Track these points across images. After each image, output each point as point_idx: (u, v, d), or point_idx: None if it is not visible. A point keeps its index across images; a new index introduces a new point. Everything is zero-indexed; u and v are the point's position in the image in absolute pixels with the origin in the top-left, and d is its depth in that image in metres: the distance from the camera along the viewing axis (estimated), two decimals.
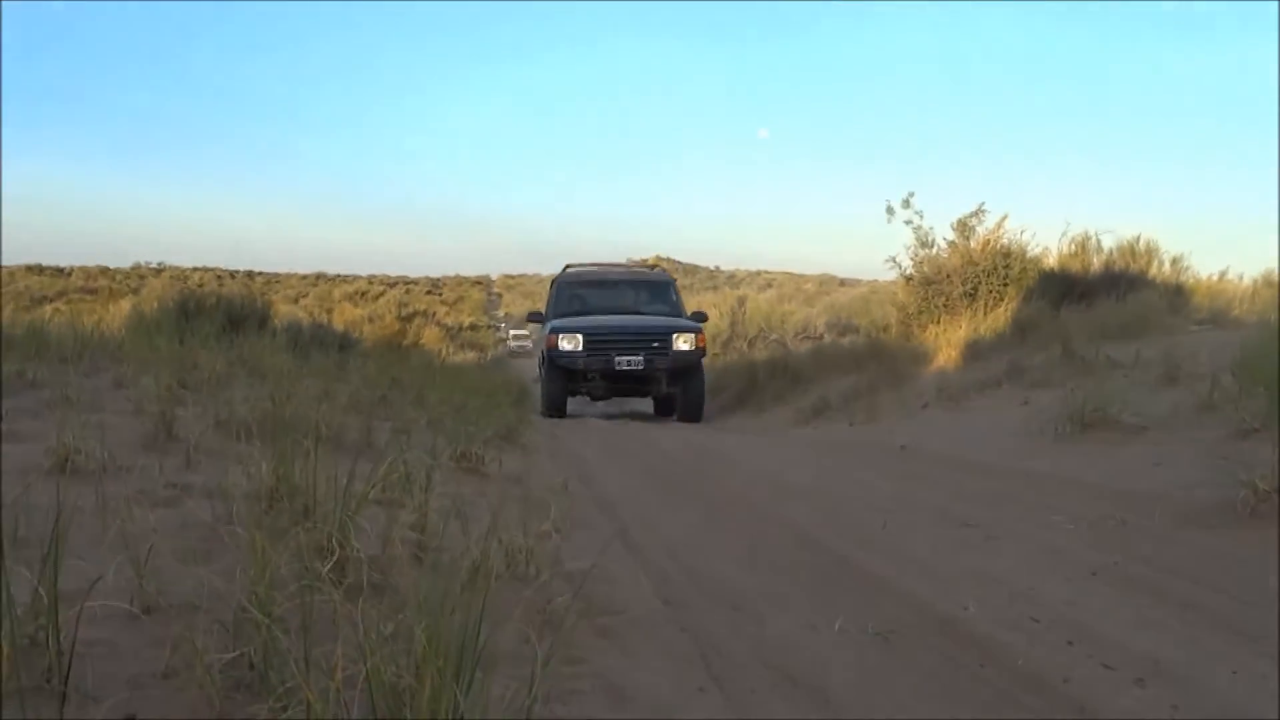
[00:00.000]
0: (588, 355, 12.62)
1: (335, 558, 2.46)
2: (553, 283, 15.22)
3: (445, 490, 3.87)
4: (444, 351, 25.75)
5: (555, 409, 12.61)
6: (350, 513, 2.63)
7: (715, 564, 3.85)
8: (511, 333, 53.69)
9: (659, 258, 63.34)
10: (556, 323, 13.28)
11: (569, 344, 12.66)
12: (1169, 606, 3.26)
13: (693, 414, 12.99)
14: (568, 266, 15.48)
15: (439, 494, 3.67)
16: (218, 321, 8.13)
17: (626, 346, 12.73)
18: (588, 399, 14.11)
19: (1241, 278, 15.99)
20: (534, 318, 15.35)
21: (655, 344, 12.79)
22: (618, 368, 12.65)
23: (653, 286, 15.08)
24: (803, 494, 5.63)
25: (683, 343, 12.84)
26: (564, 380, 12.84)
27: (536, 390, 13.82)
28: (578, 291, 14.58)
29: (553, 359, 12.75)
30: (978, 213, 14.61)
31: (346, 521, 2.59)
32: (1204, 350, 8.23)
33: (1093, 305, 11.94)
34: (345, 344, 11.30)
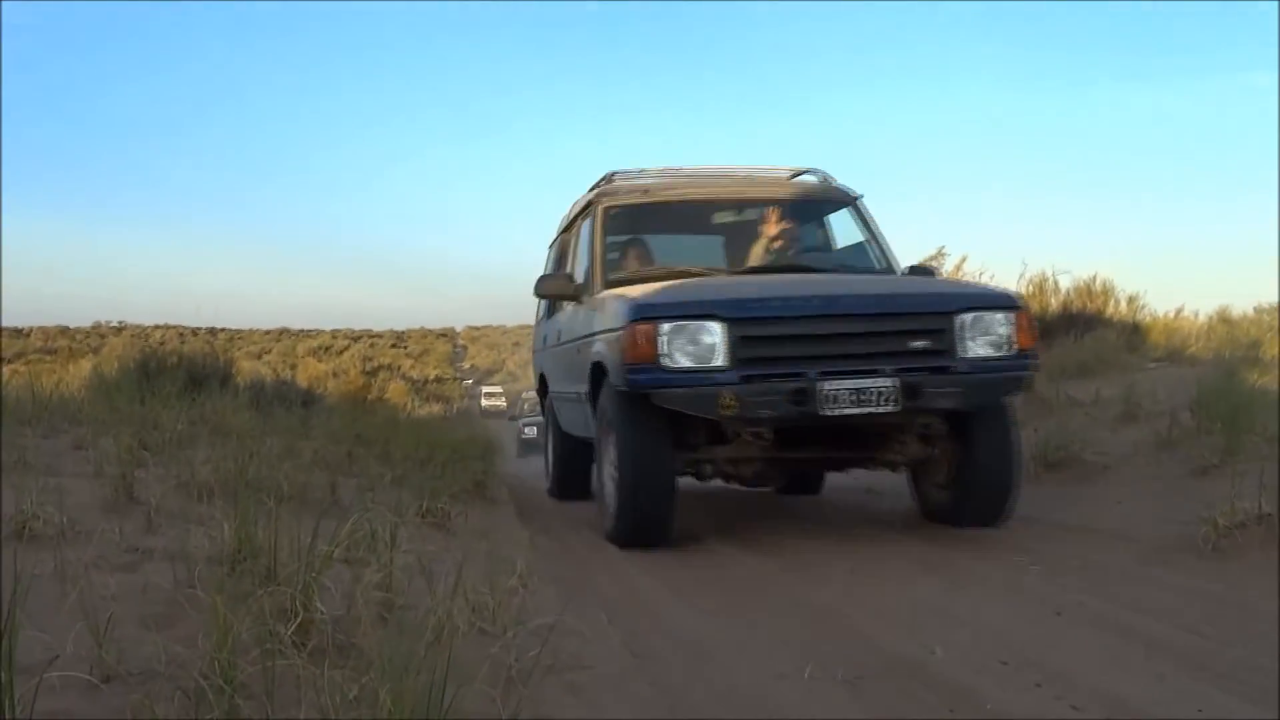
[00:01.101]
0: (744, 379, 5.03)
1: (299, 620, 2.43)
2: (580, 214, 7.38)
3: (411, 547, 3.85)
4: (409, 405, 25.64)
5: (647, 524, 5.40)
6: (314, 574, 2.61)
7: (684, 615, 3.84)
8: (484, 390, 50.12)
9: None
10: (647, 299, 5.37)
11: (691, 348, 5.06)
12: (1135, 645, 3.29)
13: (993, 505, 5.65)
14: (611, 175, 7.42)
15: (405, 551, 3.65)
16: (179, 380, 8.05)
17: (848, 350, 5.21)
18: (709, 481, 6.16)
19: (1197, 315, 16.20)
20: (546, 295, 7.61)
21: (923, 343, 5.31)
22: (829, 411, 5.01)
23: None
24: (770, 542, 5.63)
25: (984, 339, 5.36)
26: (666, 442, 5.34)
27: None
28: (652, 240, 7.26)
29: (634, 394, 5.20)
30: (938, 255, 14.74)
31: (310, 583, 2.57)
32: (1161, 388, 8.35)
33: (1051, 345, 12.06)
34: (309, 400, 11.23)
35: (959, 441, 5.59)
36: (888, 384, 5.00)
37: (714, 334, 5.01)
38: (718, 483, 6.12)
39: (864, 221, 6.99)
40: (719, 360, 4.99)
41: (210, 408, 7.07)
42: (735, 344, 5.01)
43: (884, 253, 6.82)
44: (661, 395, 5.03)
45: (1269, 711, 2.60)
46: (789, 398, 4.93)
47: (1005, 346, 5.33)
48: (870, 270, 6.71)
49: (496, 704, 2.08)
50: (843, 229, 7.18)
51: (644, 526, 5.34)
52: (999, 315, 5.37)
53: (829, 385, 4.95)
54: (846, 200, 7.11)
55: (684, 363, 4.99)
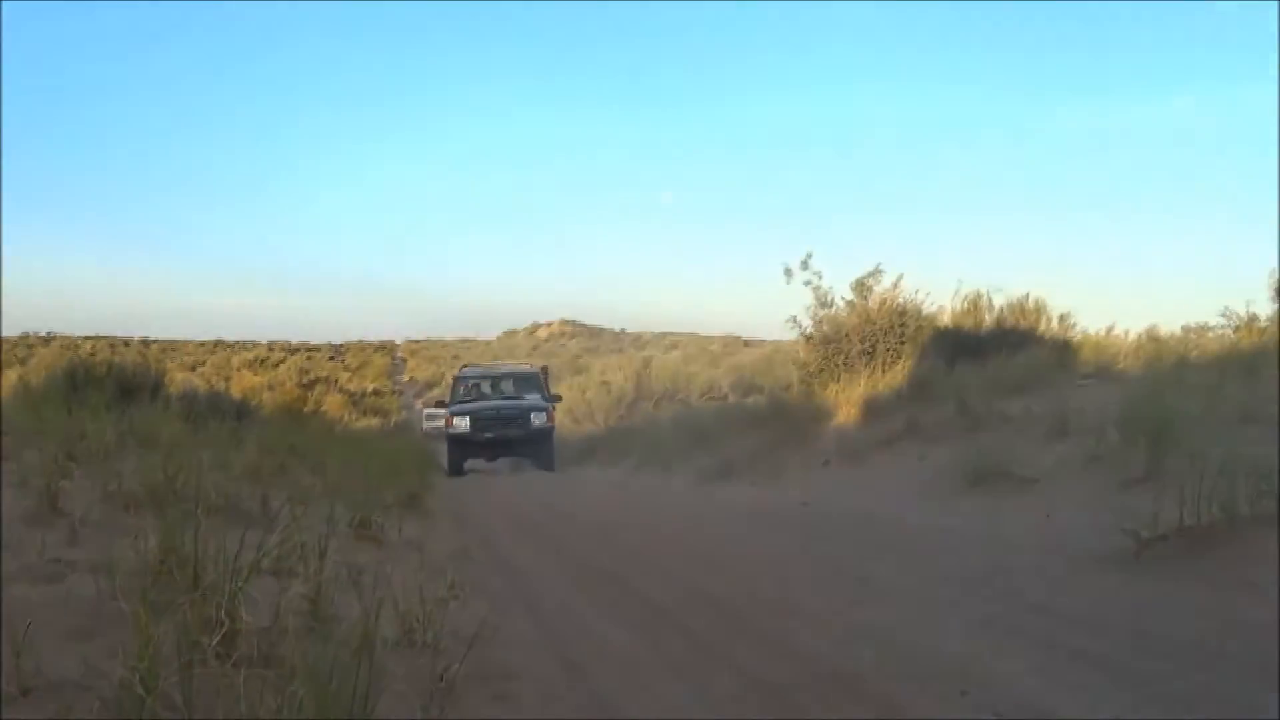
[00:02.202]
0: (473, 430, 17.58)
1: (224, 630, 2.40)
2: (453, 379, 21.20)
3: (343, 559, 3.82)
4: (346, 418, 25.29)
5: (456, 470, 17.50)
6: (240, 584, 2.57)
7: (615, 628, 3.84)
8: (425, 412, 49.97)
9: (565, 321, 63.38)
10: (453, 408, 18.47)
11: (461, 423, 17.70)
12: (1058, 654, 3.35)
13: (546, 465, 17.78)
14: (464, 366, 23.11)
15: (337, 563, 3.61)
16: (108, 391, 7.90)
17: (500, 423, 17.64)
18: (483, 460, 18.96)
19: (1127, 333, 16.53)
20: (440, 404, 20.10)
21: (519, 420, 17.77)
22: (495, 438, 17.62)
23: (525, 378, 20.16)
24: (705, 556, 5.66)
25: (537, 419, 17.76)
26: (461, 449, 17.84)
27: (440, 453, 17.82)
28: (471, 384, 19.92)
29: (450, 435, 17.92)
30: (875, 273, 14.91)
31: (236, 593, 2.53)
32: (1090, 404, 8.51)
33: (985, 362, 12.24)
34: (243, 412, 11.06)
35: (540, 447, 17.81)
36: (509, 431, 17.52)
37: (466, 419, 17.65)
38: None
39: (539, 378, 19.70)
40: (468, 426, 17.53)
41: (140, 419, 6.95)
42: (472, 422, 17.57)
43: (543, 386, 19.28)
44: (456, 434, 17.71)
45: (1189, 715, 2.66)
46: (485, 435, 17.55)
47: (545, 420, 17.77)
48: (532, 397, 18.53)
49: (421, 712, 2.06)
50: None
51: (455, 470, 17.19)
52: (543, 412, 17.87)
53: (496, 431, 17.53)
54: (536, 371, 20.49)
55: (461, 426, 17.61)
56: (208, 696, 2.02)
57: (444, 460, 17.67)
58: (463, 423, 17.70)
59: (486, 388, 19.92)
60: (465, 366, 22.21)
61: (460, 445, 17.74)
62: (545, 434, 17.82)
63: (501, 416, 17.84)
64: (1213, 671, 3.03)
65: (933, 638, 3.57)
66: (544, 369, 21.28)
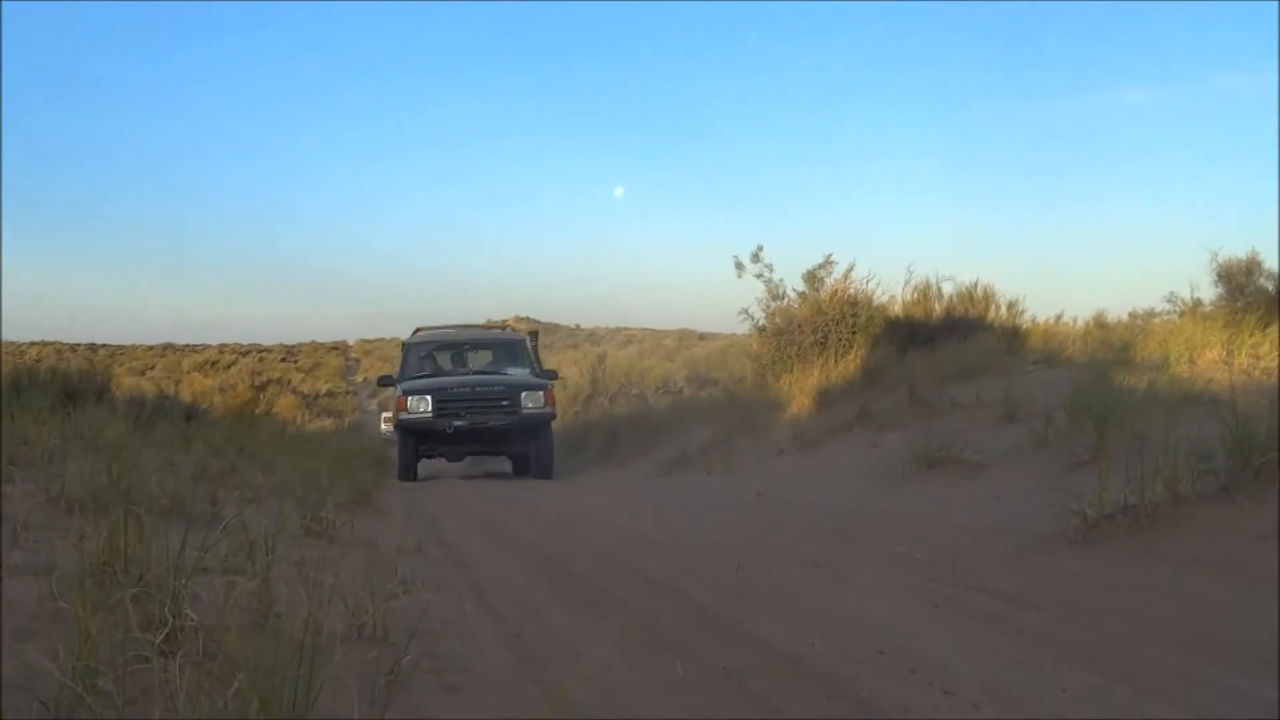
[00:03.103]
0: (436, 417, 12.59)
1: (168, 628, 2.37)
2: (403, 345, 15.14)
3: (293, 556, 3.78)
4: (299, 419, 25.09)
5: (407, 472, 12.74)
6: (183, 582, 2.54)
7: (570, 619, 3.84)
8: (384, 415, 44.51)
9: (519, 317, 63.17)
10: (406, 385, 13.27)
11: (419, 406, 12.70)
12: (1006, 632, 3.39)
13: (544, 471, 12.94)
14: (418, 329, 15.14)
15: (287, 561, 3.58)
16: (51, 395, 7.78)
17: (475, 407, 12.73)
18: (445, 461, 14.24)
19: (1076, 320, 16.75)
20: (384, 381, 14.88)
21: (504, 403, 12.79)
22: (468, 428, 12.65)
23: (505, 346, 14.93)
24: (659, 545, 5.67)
25: (531, 401, 12.81)
26: (415, 443, 12.91)
27: (393, 454, 13.62)
28: (429, 354, 14.57)
29: (402, 422, 12.90)
30: (826, 264, 15.00)
31: (180, 591, 2.50)
32: (1040, 389, 8.61)
33: (936, 349, 12.37)
34: (192, 414, 10.94)
35: (530, 442, 13.12)
36: (488, 419, 12.68)
37: (426, 400, 12.81)
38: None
39: (523, 347, 14.70)
40: (428, 410, 12.69)
41: (85, 422, 6.85)
42: (435, 404, 12.72)
43: (531, 359, 14.39)
44: (409, 423, 12.89)
45: (1132, 688, 2.70)
46: (454, 423, 12.64)
47: (541, 403, 12.93)
48: (518, 372, 13.94)
49: (370, 706, 2.05)
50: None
51: (406, 473, 12.82)
52: (538, 391, 13.00)
53: (468, 419, 12.80)
54: (520, 338, 15.48)
55: (417, 410, 12.76)
56: (150, 693, 1.99)
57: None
58: (420, 405, 12.74)
59: (448, 361, 14.70)
60: (420, 330, 15.19)
61: (416, 437, 12.89)
62: (541, 423, 12.95)
63: (478, 396, 12.86)
64: (1161, 646, 3.08)
65: (883, 619, 3.61)
66: (533, 334, 15.96)
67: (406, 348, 14.74)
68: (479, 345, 15.09)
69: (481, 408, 12.73)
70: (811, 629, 3.43)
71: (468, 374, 13.81)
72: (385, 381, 14.79)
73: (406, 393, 12.98)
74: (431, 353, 14.64)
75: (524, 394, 12.85)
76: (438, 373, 14.10)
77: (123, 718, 1.67)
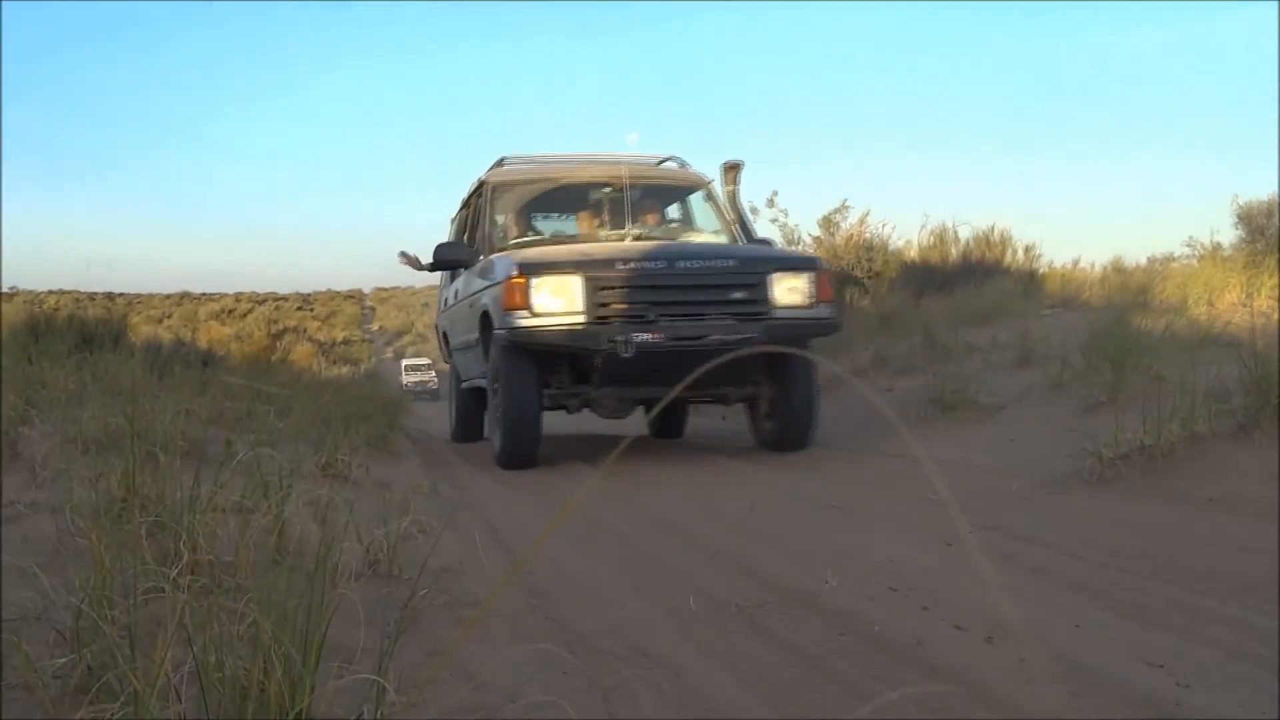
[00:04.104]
0: (592, 325, 6.14)
1: (183, 562, 2.40)
2: (477, 190, 8.32)
3: (308, 496, 3.81)
4: (316, 367, 25.22)
5: (520, 450, 6.56)
6: (198, 518, 2.57)
7: (581, 558, 3.87)
8: (405, 363, 38.29)
9: None
10: (524, 256, 6.62)
11: (555, 300, 6.16)
12: (1020, 570, 3.40)
13: (799, 434, 6.90)
14: (502, 160, 8.33)
15: (302, 500, 3.60)
16: (69, 341, 7.82)
17: (679, 306, 6.25)
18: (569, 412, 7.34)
19: (1093, 266, 16.66)
20: (444, 258, 8.00)
21: (738, 295, 6.38)
22: (667, 347, 6.07)
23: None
24: (672, 486, 5.69)
25: (791, 292, 6.51)
26: (531, 377, 6.49)
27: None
28: (409, 364, 10.10)
29: (514, 338, 6.29)
30: (841, 209, 14.90)
31: (194, 526, 2.53)
32: (1055, 333, 8.58)
33: (952, 294, 12.33)
34: (209, 361, 10.98)
35: (776, 382, 6.80)
36: (721, 325, 6.27)
37: (575, 285, 6.21)
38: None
39: (713, 200, 8.26)
40: (580, 307, 6.19)
41: (102, 367, 6.89)
42: (593, 294, 6.21)
43: (739, 225, 8.09)
44: (531, 337, 6.24)
45: (1141, 623, 2.71)
46: (641, 337, 6.07)
47: (810, 297, 6.61)
48: (716, 240, 7.90)
49: (383, 639, 2.07)
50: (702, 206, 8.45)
51: (518, 450, 6.56)
52: (804, 274, 6.66)
53: (673, 325, 6.21)
54: (701, 184, 8.43)
55: (552, 306, 6.20)
56: (164, 624, 2.01)
57: (449, 417, 9.63)
58: (560, 296, 6.21)
59: (577, 225, 8.13)
60: (504, 163, 8.33)
61: (534, 366, 6.52)
62: (806, 336, 6.74)
63: (686, 281, 6.34)
64: (1172, 582, 3.08)
65: (895, 558, 3.62)
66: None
67: (492, 191, 7.95)
68: (646, 195, 8.09)
69: (695, 306, 6.30)
70: (824, 568, 3.44)
71: (650, 241, 7.36)
72: (446, 258, 8.06)
73: (526, 271, 6.27)
74: (540, 210, 8.50)
75: (774, 278, 6.52)
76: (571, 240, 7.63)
77: (131, 646, 1.68)
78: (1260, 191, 13.50)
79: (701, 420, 10.19)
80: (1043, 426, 6.09)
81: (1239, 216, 12.47)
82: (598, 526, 4.53)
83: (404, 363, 38.68)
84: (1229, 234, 12.78)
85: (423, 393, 30.49)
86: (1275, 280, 9.25)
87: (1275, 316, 8.23)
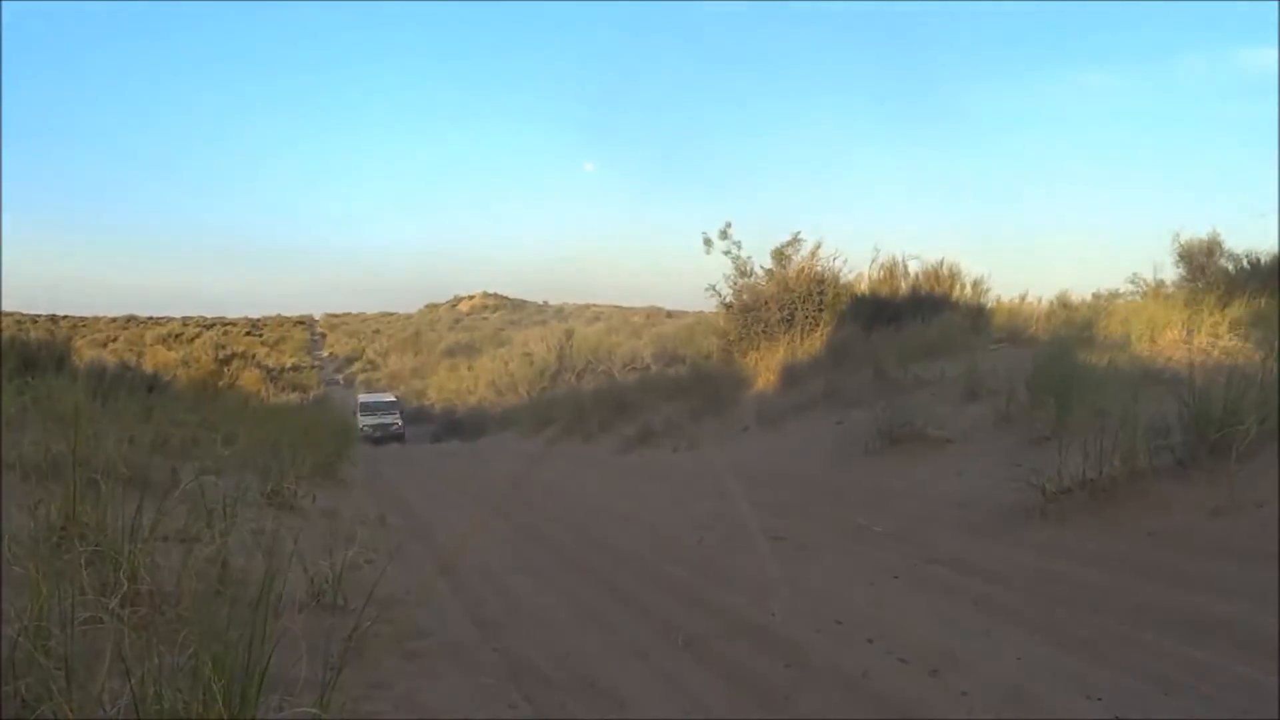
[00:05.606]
0: (364, 418, 26.86)
1: (123, 592, 2.35)
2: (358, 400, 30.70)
3: (253, 525, 3.76)
4: (264, 393, 24.89)
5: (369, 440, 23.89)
6: (139, 547, 2.52)
7: (531, 588, 3.85)
8: (360, 400, 34.40)
9: (486, 294, 62.97)
10: (360, 408, 27.86)
11: (365, 416, 27.02)
12: (962, 602, 3.43)
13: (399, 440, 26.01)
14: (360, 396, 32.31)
15: (246, 529, 3.56)
16: (9, 364, 7.67)
17: (380, 414, 27.63)
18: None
19: (1040, 300, 16.84)
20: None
21: (390, 414, 27.77)
22: (379, 425, 26.75)
23: (389, 401, 29.75)
24: (623, 517, 5.68)
25: (398, 415, 28.27)
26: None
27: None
28: (366, 401, 29.62)
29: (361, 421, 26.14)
30: (793, 241, 14.99)
31: (135, 556, 2.48)
32: (1003, 367, 8.66)
33: (901, 327, 12.40)
34: (155, 386, 10.81)
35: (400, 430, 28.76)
36: (386, 420, 28.61)
37: (365, 415, 29.28)
38: None
39: (398, 401, 33.07)
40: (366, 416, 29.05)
41: (44, 392, 6.76)
42: (361, 413, 30.00)
43: (399, 403, 32.14)
44: (363, 422, 28.22)
45: (1081, 656, 2.74)
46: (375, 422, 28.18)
47: (398, 418, 29.12)
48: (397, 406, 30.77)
49: (325, 669, 2.04)
50: None
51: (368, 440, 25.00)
52: (398, 413, 29.87)
53: (380, 420, 28.30)
54: (396, 399, 34.33)
55: (365, 419, 28.30)
56: (101, 656, 1.97)
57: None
58: (366, 415, 27.98)
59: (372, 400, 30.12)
60: (361, 397, 33.14)
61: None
62: (400, 425, 28.08)
63: (379, 412, 28.69)
64: (1109, 614, 3.12)
65: (842, 589, 3.64)
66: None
67: (359, 401, 32.13)
68: (384, 399, 31.10)
69: (384, 417, 28.31)
70: (772, 598, 3.46)
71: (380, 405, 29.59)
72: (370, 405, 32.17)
73: (356, 412, 30.65)
74: (366, 400, 31.79)
75: (398, 412, 29.87)
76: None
77: (67, 678, 1.65)
78: (1199, 229, 13.77)
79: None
80: (989, 459, 6.14)
81: (1180, 255, 12.70)
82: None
83: (360, 399, 31.86)
84: (1171, 271, 12.99)
85: (384, 438, 26.13)
86: (1214, 319, 9.42)
87: (1214, 354, 8.38)
